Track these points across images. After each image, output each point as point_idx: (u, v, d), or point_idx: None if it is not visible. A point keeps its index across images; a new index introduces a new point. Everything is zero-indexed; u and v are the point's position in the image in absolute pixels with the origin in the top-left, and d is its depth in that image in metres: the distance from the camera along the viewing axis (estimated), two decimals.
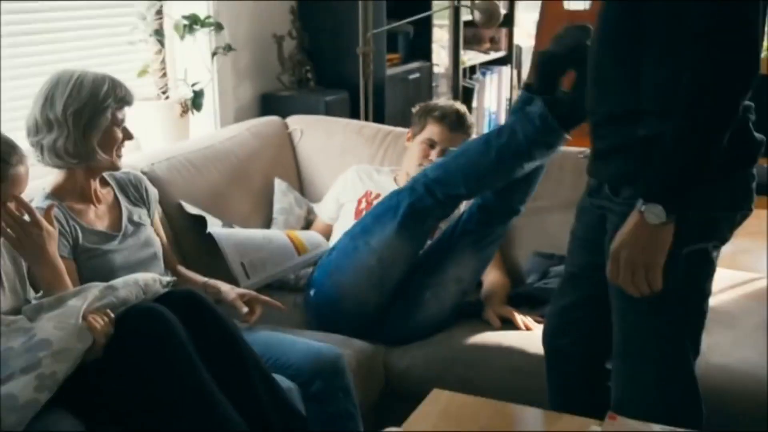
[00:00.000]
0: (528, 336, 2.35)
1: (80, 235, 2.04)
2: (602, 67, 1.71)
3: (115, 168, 2.12)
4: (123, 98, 2.05)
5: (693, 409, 1.78)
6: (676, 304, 1.70)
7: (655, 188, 1.55)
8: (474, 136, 2.75)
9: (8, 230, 1.80)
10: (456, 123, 2.71)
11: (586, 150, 1.85)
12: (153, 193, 2.32)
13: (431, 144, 2.70)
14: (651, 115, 1.60)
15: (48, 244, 1.83)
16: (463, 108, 2.78)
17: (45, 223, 1.83)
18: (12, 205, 1.79)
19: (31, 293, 1.90)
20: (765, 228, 4.20)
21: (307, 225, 2.90)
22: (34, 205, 1.98)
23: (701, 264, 1.70)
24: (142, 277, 1.81)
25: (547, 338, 2.03)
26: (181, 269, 2.34)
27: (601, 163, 1.75)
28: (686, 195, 1.55)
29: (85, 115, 1.99)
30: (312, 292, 2.48)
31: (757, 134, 1.68)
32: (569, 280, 1.98)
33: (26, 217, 1.81)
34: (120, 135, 2.07)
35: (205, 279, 2.30)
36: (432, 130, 2.70)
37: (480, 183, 2.36)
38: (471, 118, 2.80)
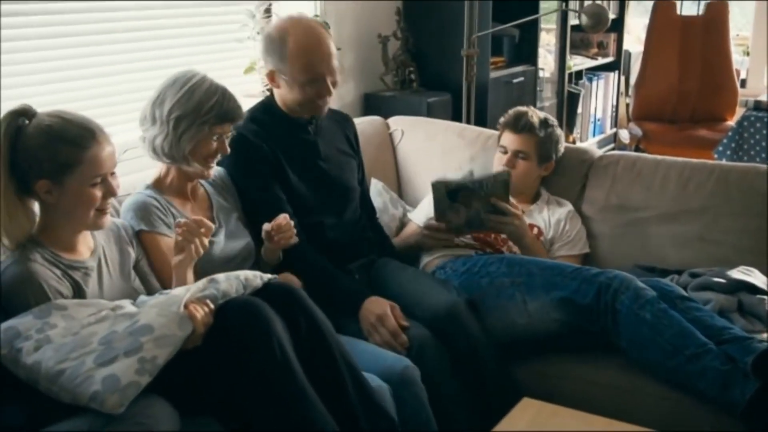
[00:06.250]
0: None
1: None
2: None
3: (204, 177, 2.17)
4: (225, 115, 2.08)
5: None
6: None
7: None
8: (565, 141, 2.73)
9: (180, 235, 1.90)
10: (517, 125, 2.75)
11: None
12: None
13: (504, 150, 2.78)
14: None
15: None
16: (525, 109, 2.79)
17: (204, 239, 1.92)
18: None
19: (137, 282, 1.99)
20: None
21: (402, 226, 2.88)
22: (135, 192, 2.10)
23: None
24: (243, 272, 1.85)
25: None
26: None
27: None
28: None
29: (184, 123, 2.04)
30: None
31: None
32: None
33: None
34: (214, 147, 2.11)
35: None
36: (503, 138, 2.80)
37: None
38: (536, 119, 2.76)
